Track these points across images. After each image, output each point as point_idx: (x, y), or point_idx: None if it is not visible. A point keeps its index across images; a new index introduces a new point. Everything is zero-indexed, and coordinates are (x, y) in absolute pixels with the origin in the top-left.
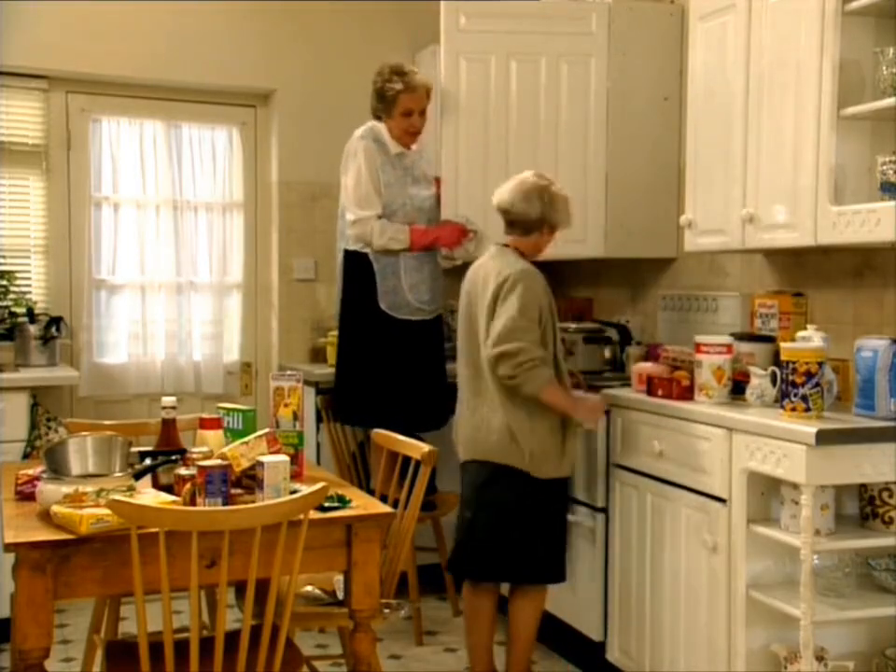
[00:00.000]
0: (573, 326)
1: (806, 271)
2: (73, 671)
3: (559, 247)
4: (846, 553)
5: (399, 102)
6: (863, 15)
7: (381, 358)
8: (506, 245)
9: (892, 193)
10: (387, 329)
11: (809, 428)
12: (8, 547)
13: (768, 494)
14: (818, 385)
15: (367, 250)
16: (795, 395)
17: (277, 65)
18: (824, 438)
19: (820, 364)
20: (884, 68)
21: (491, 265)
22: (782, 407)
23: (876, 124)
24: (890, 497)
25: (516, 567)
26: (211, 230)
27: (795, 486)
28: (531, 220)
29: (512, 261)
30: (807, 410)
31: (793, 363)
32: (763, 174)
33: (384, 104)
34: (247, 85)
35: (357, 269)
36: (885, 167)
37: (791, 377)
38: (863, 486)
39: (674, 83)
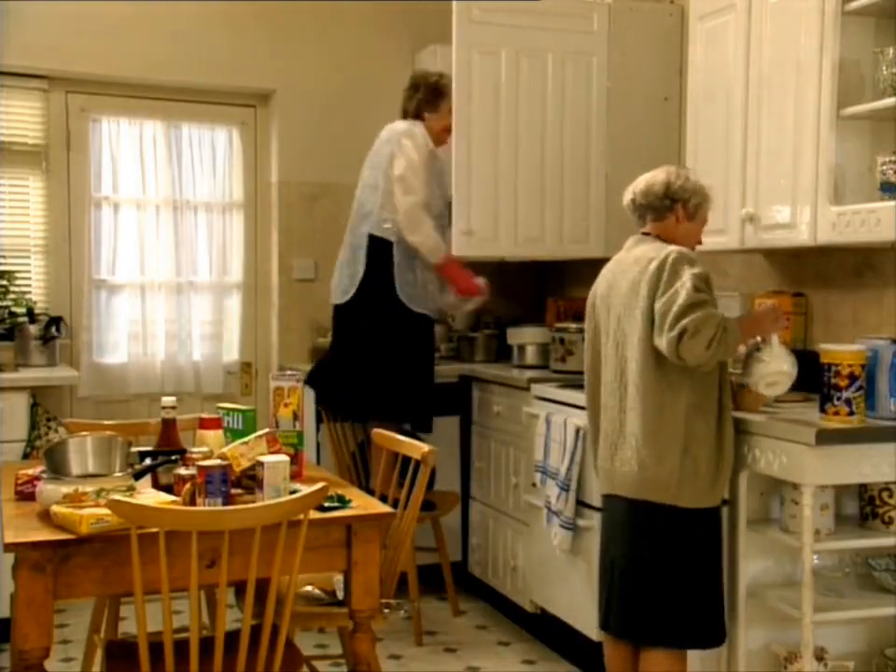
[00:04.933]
0: (573, 326)
1: (806, 271)
2: (73, 671)
3: (559, 247)
4: (846, 553)
5: (451, 98)
6: (863, 15)
7: (398, 349)
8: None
9: (892, 193)
10: (405, 320)
11: (809, 428)
12: (8, 547)
13: (768, 494)
14: (861, 388)
15: (392, 238)
16: (839, 399)
17: (277, 65)
18: (824, 438)
19: (863, 366)
20: (884, 68)
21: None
22: (823, 411)
23: (876, 124)
24: (890, 496)
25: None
26: (211, 230)
27: (795, 486)
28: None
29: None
30: (851, 414)
31: (836, 365)
32: (762, 174)
33: (436, 98)
34: (247, 85)
35: (380, 255)
36: (885, 167)
37: (833, 380)
38: (863, 486)
39: (674, 83)
